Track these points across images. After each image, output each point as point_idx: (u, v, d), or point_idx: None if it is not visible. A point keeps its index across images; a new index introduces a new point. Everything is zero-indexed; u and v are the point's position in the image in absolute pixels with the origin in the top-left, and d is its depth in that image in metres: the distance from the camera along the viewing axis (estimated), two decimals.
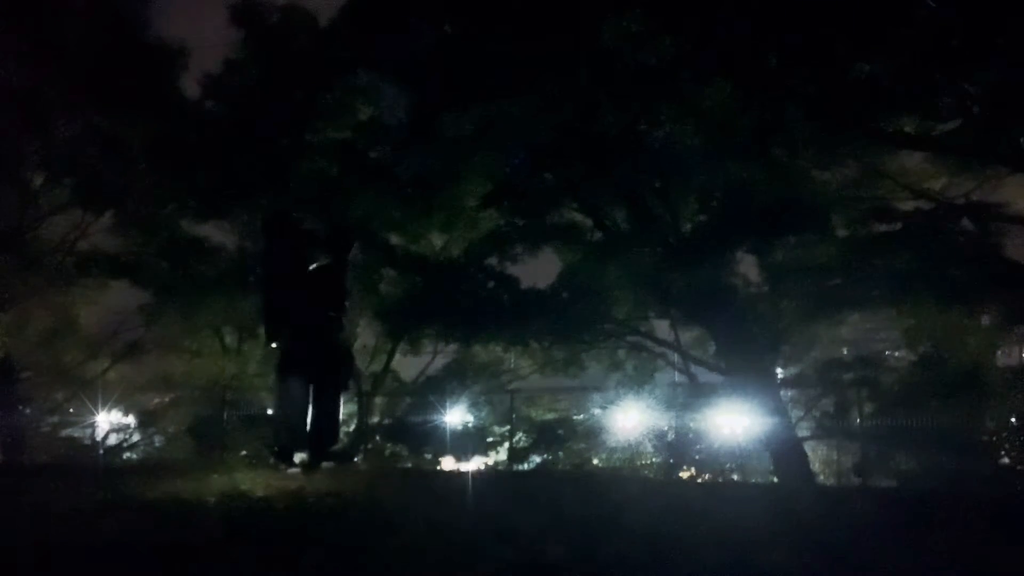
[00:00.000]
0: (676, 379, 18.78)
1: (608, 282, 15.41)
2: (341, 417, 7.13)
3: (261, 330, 7.05)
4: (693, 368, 17.44)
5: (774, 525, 4.29)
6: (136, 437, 19.76)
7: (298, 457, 6.24)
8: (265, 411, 19.49)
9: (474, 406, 18.57)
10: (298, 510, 4.48)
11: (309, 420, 6.30)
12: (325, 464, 6.23)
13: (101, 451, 18.43)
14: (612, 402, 16.33)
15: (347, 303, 6.96)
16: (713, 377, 16.85)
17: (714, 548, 3.50)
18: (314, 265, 6.33)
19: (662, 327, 17.69)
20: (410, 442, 18.24)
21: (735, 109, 12.94)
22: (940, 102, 12.62)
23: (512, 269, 16.78)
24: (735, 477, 14.89)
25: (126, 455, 19.08)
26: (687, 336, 17.92)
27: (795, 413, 16.33)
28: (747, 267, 16.32)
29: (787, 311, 15.43)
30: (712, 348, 17.07)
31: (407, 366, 20.72)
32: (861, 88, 12.27)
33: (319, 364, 6.24)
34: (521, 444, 17.59)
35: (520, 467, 16.93)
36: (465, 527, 4.06)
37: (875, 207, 14.75)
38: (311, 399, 6.28)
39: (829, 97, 12.52)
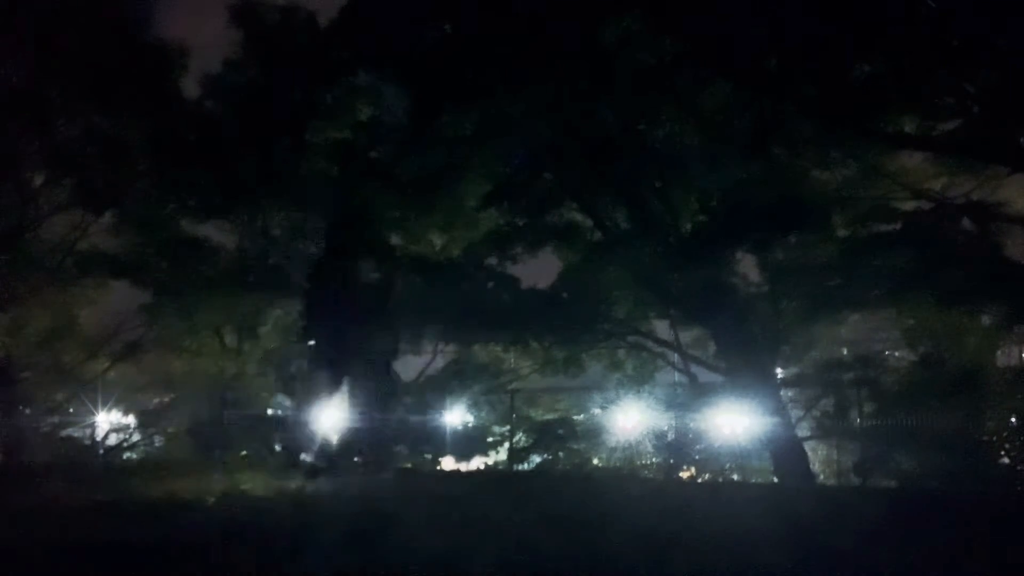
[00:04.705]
0: (676, 379, 18.73)
1: (608, 282, 15.41)
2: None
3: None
4: (693, 368, 17.40)
5: (774, 525, 4.29)
6: (136, 437, 19.79)
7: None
8: (264, 412, 19.51)
9: (474, 406, 18.56)
10: (298, 510, 4.48)
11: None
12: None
13: (101, 451, 18.46)
14: (612, 402, 16.30)
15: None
16: (713, 377, 16.81)
17: (714, 548, 3.51)
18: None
19: (662, 327, 17.67)
20: (410, 442, 18.24)
21: (735, 109, 12.93)
22: (940, 102, 12.61)
23: (512, 269, 16.81)
24: (735, 477, 14.87)
25: (126, 455, 19.10)
26: (687, 336, 17.87)
27: (795, 413, 16.29)
28: (747, 267, 16.31)
29: (787, 311, 15.41)
30: (712, 348, 17.05)
31: (407, 366, 20.74)
32: (861, 88, 12.26)
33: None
34: (521, 444, 17.58)
35: (520, 467, 16.93)
36: (465, 526, 4.07)
37: (875, 207, 14.74)
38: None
39: (829, 97, 12.51)
